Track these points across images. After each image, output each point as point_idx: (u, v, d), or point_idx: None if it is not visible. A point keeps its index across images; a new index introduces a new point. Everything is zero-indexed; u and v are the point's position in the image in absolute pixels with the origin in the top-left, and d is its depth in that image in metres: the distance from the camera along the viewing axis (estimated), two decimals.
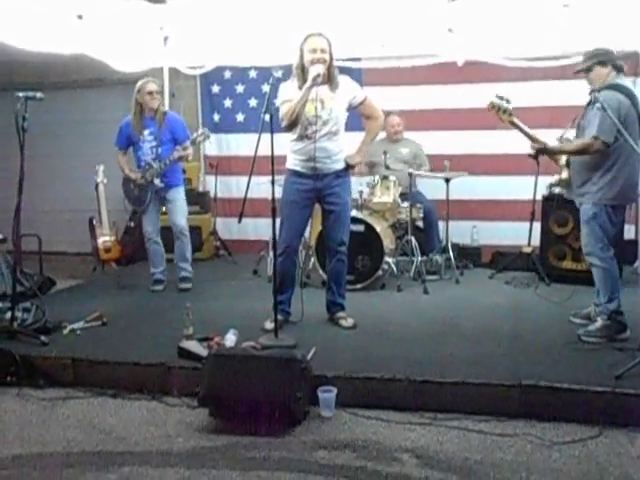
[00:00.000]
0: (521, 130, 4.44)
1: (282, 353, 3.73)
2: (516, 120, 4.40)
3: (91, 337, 4.58)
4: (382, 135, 6.77)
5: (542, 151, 4.42)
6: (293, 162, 4.62)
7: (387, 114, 6.66)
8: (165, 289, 5.93)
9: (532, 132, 4.46)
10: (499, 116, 4.38)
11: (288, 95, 4.47)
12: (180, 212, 5.82)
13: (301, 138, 4.51)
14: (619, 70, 4.29)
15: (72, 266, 7.49)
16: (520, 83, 6.75)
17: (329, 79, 4.45)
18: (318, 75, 4.28)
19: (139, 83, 5.68)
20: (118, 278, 6.20)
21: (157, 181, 5.68)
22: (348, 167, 4.64)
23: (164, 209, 5.94)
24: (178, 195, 5.83)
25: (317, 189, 4.58)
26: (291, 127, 4.46)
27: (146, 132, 5.69)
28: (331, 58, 4.44)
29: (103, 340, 4.50)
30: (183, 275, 5.86)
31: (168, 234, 5.93)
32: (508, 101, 4.35)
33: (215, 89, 7.91)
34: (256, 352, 3.83)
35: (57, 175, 8.55)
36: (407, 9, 5.65)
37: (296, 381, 3.48)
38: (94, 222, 6.65)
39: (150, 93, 5.62)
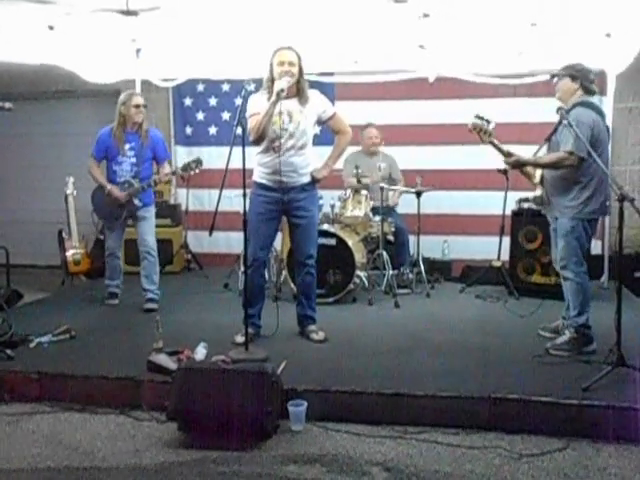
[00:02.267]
0: (497, 148, 4.49)
1: (252, 367, 3.70)
2: (496, 141, 4.46)
3: (59, 351, 4.52)
4: (358, 147, 6.83)
5: (517, 164, 4.46)
6: (259, 175, 4.63)
7: (365, 126, 6.75)
8: (128, 301, 5.85)
9: (506, 148, 4.51)
10: (480, 136, 4.43)
11: (256, 108, 4.48)
12: (151, 230, 5.72)
13: (267, 151, 4.53)
14: (587, 91, 4.38)
15: (40, 279, 7.39)
16: (490, 100, 6.86)
17: (298, 92, 4.47)
18: (282, 90, 4.29)
19: (124, 95, 5.60)
20: (87, 291, 6.14)
21: (136, 201, 5.57)
22: (315, 182, 4.66)
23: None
24: (150, 213, 5.73)
25: (283, 202, 4.59)
26: (258, 141, 4.48)
27: (127, 147, 5.57)
28: (301, 72, 4.47)
29: (71, 354, 4.44)
30: (149, 297, 5.70)
31: (133, 247, 5.86)
32: (488, 121, 4.41)
33: (188, 102, 7.90)
34: (226, 366, 3.80)
35: (26, 186, 8.45)
36: (380, 25, 5.70)
37: (266, 395, 3.46)
38: (63, 234, 6.57)
39: (137, 106, 5.51)
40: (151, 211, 5.75)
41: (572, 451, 3.33)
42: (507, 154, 4.47)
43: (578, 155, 4.17)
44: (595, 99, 4.52)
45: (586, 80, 4.37)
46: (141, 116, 5.55)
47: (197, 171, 5.62)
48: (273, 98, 4.33)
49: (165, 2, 5.42)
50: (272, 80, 4.45)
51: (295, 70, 4.42)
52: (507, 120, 6.76)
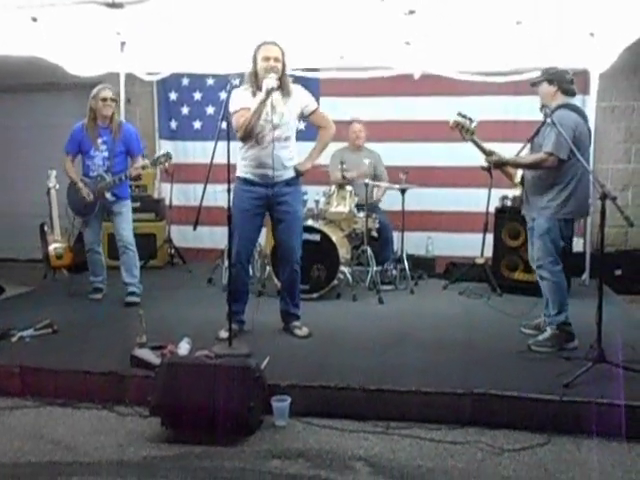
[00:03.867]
0: (479, 147, 4.52)
1: (236, 362, 3.71)
2: (477, 139, 4.48)
3: (41, 345, 4.50)
4: (344, 143, 6.84)
5: (498, 163, 4.50)
6: (243, 169, 4.61)
7: (350, 121, 6.76)
8: (109, 296, 5.84)
9: (488, 147, 4.54)
10: (462, 134, 4.45)
11: (241, 102, 4.45)
12: (127, 225, 5.70)
13: (250, 144, 4.51)
14: (566, 93, 4.42)
15: (22, 273, 7.33)
16: (475, 97, 6.90)
17: (281, 87, 4.44)
18: (272, 88, 4.29)
19: (95, 89, 5.59)
20: (70, 285, 6.09)
21: (109, 195, 5.56)
22: (298, 175, 4.66)
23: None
24: (126, 208, 5.71)
25: (268, 197, 4.58)
26: (246, 139, 4.46)
27: (99, 141, 5.56)
28: (284, 67, 4.46)
29: (53, 348, 4.42)
30: (131, 290, 5.68)
31: (115, 241, 5.82)
32: (471, 120, 4.43)
33: (172, 96, 7.87)
34: (210, 361, 3.80)
35: (8, 179, 8.38)
36: (366, 21, 5.69)
37: (250, 390, 3.47)
38: (45, 228, 6.51)
39: (104, 100, 5.49)
40: (126, 205, 5.72)
41: (553, 446, 3.37)
42: (488, 153, 4.50)
43: (558, 156, 4.21)
44: (578, 98, 4.58)
45: (563, 82, 4.41)
46: (110, 109, 5.53)
47: (167, 165, 5.65)
48: (262, 96, 4.31)
49: None
50: (255, 74, 4.44)
51: (280, 66, 4.41)
52: (492, 118, 6.83)
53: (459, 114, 4.44)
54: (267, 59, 4.39)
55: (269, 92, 4.29)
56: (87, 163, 5.63)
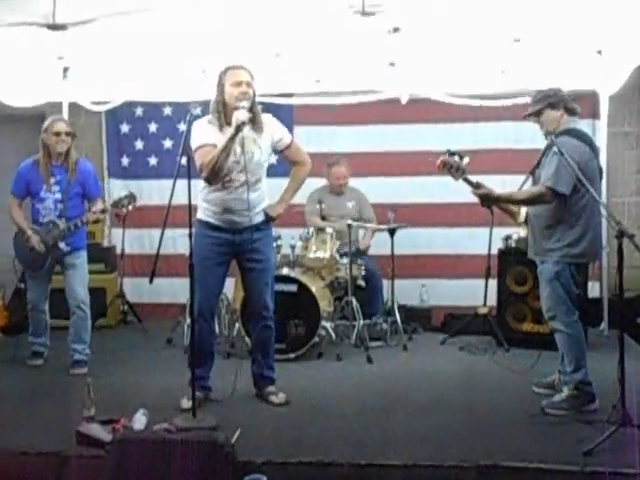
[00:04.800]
0: (470, 184, 4.53)
1: (202, 436, 3.67)
2: (470, 178, 4.49)
3: None
4: (322, 181, 6.89)
5: (486, 198, 4.52)
6: (205, 213, 4.61)
7: (333, 162, 6.81)
8: (54, 361, 5.75)
9: (475, 179, 4.53)
10: (451, 174, 4.45)
11: (206, 137, 4.44)
12: (82, 280, 5.63)
13: (215, 187, 4.50)
14: (572, 113, 4.51)
15: None
16: (470, 124, 7.05)
17: (253, 119, 4.44)
18: (243, 123, 4.28)
19: (47, 121, 5.53)
20: (4, 350, 6.01)
21: (62, 245, 5.48)
22: (269, 220, 4.67)
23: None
24: (80, 260, 5.63)
25: (234, 243, 4.58)
26: (212, 179, 4.42)
27: (52, 181, 5.49)
28: (254, 95, 4.50)
29: None
30: (77, 359, 5.57)
31: (59, 297, 5.77)
32: (461, 157, 4.44)
33: (124, 128, 7.91)
34: (170, 436, 3.76)
35: None
36: (345, 40, 5.80)
37: (219, 469, 3.43)
38: None
39: (57, 134, 5.43)
40: (82, 257, 5.66)
41: None
42: (476, 185, 4.48)
43: (557, 191, 4.25)
44: (587, 124, 4.67)
45: (567, 101, 4.51)
46: (64, 146, 5.47)
47: (130, 208, 5.57)
48: (232, 132, 4.30)
49: (97, 15, 5.45)
50: (223, 102, 4.46)
51: (252, 92, 4.45)
52: (489, 146, 6.96)
53: (449, 152, 4.46)
54: (239, 84, 4.40)
55: (239, 127, 4.28)
56: (37, 207, 5.56)
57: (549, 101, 4.50)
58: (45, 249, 5.48)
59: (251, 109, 4.40)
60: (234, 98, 4.39)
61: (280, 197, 4.71)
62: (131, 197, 5.52)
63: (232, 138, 4.32)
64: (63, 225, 5.45)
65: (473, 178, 4.48)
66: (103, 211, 5.53)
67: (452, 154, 4.43)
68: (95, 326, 6.01)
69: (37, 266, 5.56)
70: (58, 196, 5.50)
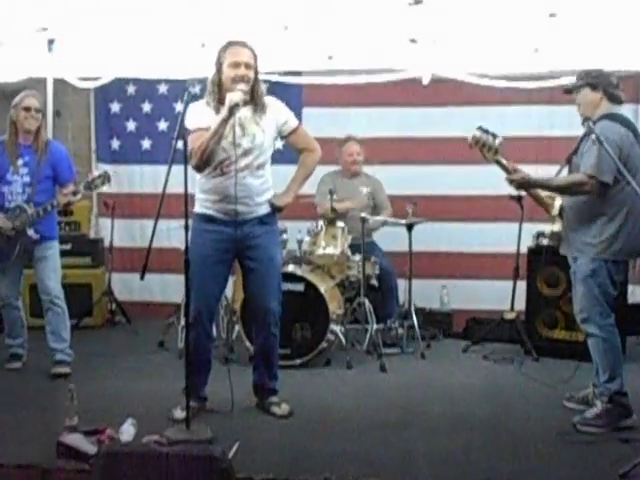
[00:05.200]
0: (503, 167, 4.54)
1: (195, 450, 3.66)
2: (503, 159, 4.49)
3: None
4: (336, 167, 6.89)
5: (523, 183, 4.52)
6: (203, 204, 4.61)
7: (344, 140, 6.81)
8: (32, 363, 5.78)
9: (512, 164, 4.55)
10: (483, 154, 4.46)
11: (200, 120, 4.44)
12: (53, 273, 5.64)
13: (214, 172, 4.51)
14: (614, 100, 4.49)
15: None
16: (499, 107, 7.01)
17: (252, 99, 4.46)
18: (237, 105, 4.27)
19: (18, 96, 5.57)
20: None
21: (31, 232, 5.49)
22: (275, 211, 4.68)
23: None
24: (52, 251, 5.65)
25: (235, 239, 4.58)
26: (202, 168, 4.42)
27: (19, 162, 5.53)
28: (256, 74, 4.50)
29: None
30: (58, 358, 5.61)
31: (35, 292, 5.78)
32: (494, 135, 4.44)
33: (114, 108, 7.91)
34: (161, 449, 3.76)
35: None
36: (360, 13, 5.79)
37: None
38: None
39: (27, 109, 5.46)
40: (53, 248, 5.68)
41: None
42: (512, 170, 4.49)
43: (599, 179, 4.25)
44: (628, 108, 4.64)
45: (609, 86, 4.48)
46: (33, 123, 5.49)
47: (104, 188, 5.60)
48: (224, 114, 4.29)
49: None
50: (219, 83, 4.46)
51: (251, 74, 4.44)
52: (520, 133, 6.92)
53: (479, 129, 4.48)
54: (237, 65, 4.39)
55: (232, 109, 4.27)
56: (3, 190, 5.57)
57: (589, 81, 4.49)
58: (11, 237, 5.50)
59: (252, 91, 4.41)
60: (230, 80, 4.39)
61: (287, 186, 4.70)
62: (105, 177, 5.51)
63: (224, 121, 4.31)
64: (31, 210, 5.46)
65: (510, 163, 4.50)
66: (74, 193, 5.49)
67: (484, 131, 4.43)
68: (80, 326, 6.05)
69: (4, 256, 5.57)
70: (27, 179, 5.52)
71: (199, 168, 4.43)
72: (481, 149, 4.43)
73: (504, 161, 4.50)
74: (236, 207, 4.52)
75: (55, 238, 5.72)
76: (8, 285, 5.72)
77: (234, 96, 4.29)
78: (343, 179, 6.87)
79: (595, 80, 4.49)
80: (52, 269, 5.65)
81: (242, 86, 4.33)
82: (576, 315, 4.60)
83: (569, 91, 4.60)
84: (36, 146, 5.56)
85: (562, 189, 4.47)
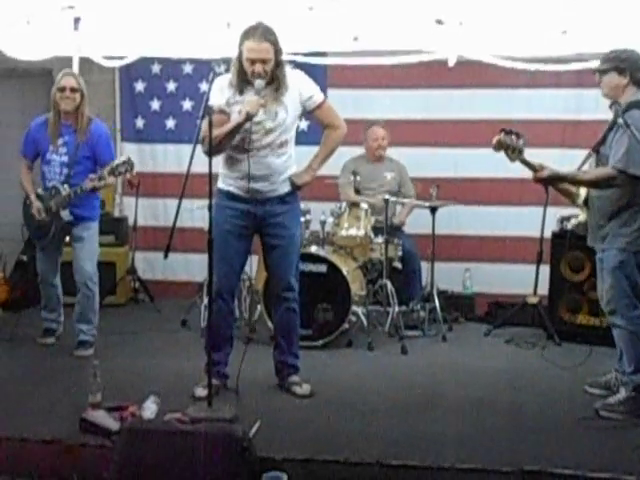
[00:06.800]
0: (528, 165, 4.49)
1: (217, 428, 3.70)
2: (528, 159, 4.46)
3: None
4: (360, 150, 6.86)
5: (551, 179, 4.48)
6: (225, 180, 4.64)
7: (369, 124, 6.79)
8: (59, 340, 5.85)
9: (538, 162, 4.50)
10: (508, 155, 4.43)
11: (218, 97, 4.47)
12: (90, 256, 5.64)
13: (236, 149, 4.53)
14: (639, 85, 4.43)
15: None
16: (525, 90, 6.95)
17: (273, 80, 4.46)
18: (250, 116, 4.31)
19: (59, 75, 5.56)
20: (5, 327, 6.10)
21: (64, 213, 5.50)
22: (295, 189, 4.67)
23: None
24: (89, 232, 5.64)
25: (256, 216, 4.60)
26: (212, 155, 4.35)
27: (60, 142, 5.52)
28: (278, 57, 4.45)
29: None
30: (82, 339, 5.64)
31: (70, 272, 5.81)
32: (518, 135, 4.40)
33: (139, 87, 7.92)
34: (183, 427, 3.79)
35: None
36: None
37: (235, 465, 3.46)
38: None
39: (62, 90, 5.43)
40: (91, 229, 5.67)
41: None
42: (538, 167, 4.44)
43: (630, 173, 4.19)
44: None
45: (637, 71, 4.40)
46: (69, 103, 5.45)
47: (128, 175, 5.58)
48: (242, 118, 4.34)
49: None
50: (240, 65, 4.44)
51: (269, 67, 4.41)
52: (547, 117, 6.86)
53: (503, 131, 4.42)
54: (252, 62, 4.40)
55: (249, 115, 4.32)
56: (43, 169, 5.60)
57: (618, 64, 4.42)
58: (47, 217, 5.53)
59: (272, 75, 4.42)
60: (249, 72, 4.42)
61: (308, 164, 4.70)
62: (128, 163, 5.42)
63: (240, 125, 4.37)
64: (65, 192, 5.46)
65: (533, 159, 4.44)
66: (100, 178, 5.42)
67: (508, 133, 4.39)
68: (103, 304, 6.06)
69: (41, 234, 5.62)
70: (64, 159, 5.51)
71: (209, 155, 4.44)
72: (505, 151, 4.39)
73: (528, 160, 4.45)
74: (256, 185, 4.53)
75: (93, 219, 5.70)
76: (46, 263, 5.76)
77: (251, 108, 4.33)
78: (367, 164, 6.84)
79: (623, 64, 4.41)
80: (89, 251, 5.65)
81: (258, 82, 4.35)
82: (603, 306, 4.56)
83: (598, 72, 4.52)
84: (76, 126, 5.53)
85: (592, 184, 4.42)
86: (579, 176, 4.47)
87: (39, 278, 5.82)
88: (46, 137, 5.55)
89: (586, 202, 4.56)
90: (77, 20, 6.59)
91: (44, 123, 5.59)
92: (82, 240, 5.62)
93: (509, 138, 4.36)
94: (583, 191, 4.57)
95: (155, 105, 7.90)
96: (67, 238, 5.75)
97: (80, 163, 5.53)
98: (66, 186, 5.47)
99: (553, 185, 4.60)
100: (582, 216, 4.62)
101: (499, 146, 4.37)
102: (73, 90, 5.47)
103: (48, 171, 5.57)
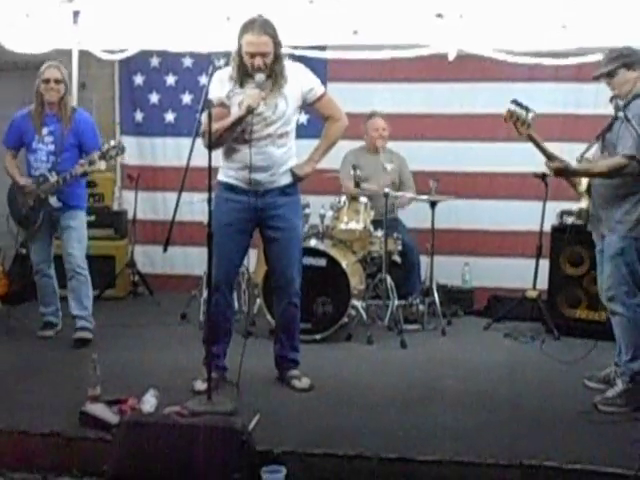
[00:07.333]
0: (537, 145, 4.52)
1: (217, 422, 3.70)
2: (535, 134, 4.48)
3: None
4: (360, 142, 6.85)
5: (562, 172, 4.49)
6: (225, 172, 4.63)
7: (369, 115, 6.77)
8: (59, 334, 5.85)
9: (550, 149, 4.52)
10: (516, 127, 4.44)
11: (219, 90, 4.47)
12: (77, 243, 5.68)
13: (236, 140, 4.52)
14: None
15: None
16: (525, 84, 6.92)
17: (272, 73, 4.45)
18: (251, 109, 4.31)
19: (42, 67, 5.59)
20: (4, 320, 6.10)
21: (53, 200, 5.55)
22: (296, 181, 4.67)
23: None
24: (76, 221, 5.69)
25: (256, 209, 4.59)
26: (210, 148, 4.34)
27: (45, 131, 5.58)
28: (277, 50, 4.45)
29: None
30: (80, 325, 5.67)
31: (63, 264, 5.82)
32: (528, 109, 4.42)
33: (138, 80, 7.91)
34: (182, 420, 3.79)
35: None
36: None
37: (234, 458, 3.46)
38: None
39: (47, 81, 5.48)
40: (78, 218, 5.72)
41: None
42: (550, 157, 4.49)
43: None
44: None
45: None
46: (53, 94, 5.51)
47: (119, 159, 5.65)
48: (243, 111, 4.34)
49: None
50: (240, 59, 4.44)
51: (269, 59, 4.41)
52: (546, 110, 6.80)
53: (514, 102, 4.44)
54: (251, 56, 4.40)
55: (249, 109, 4.32)
56: (29, 159, 5.66)
57: (624, 61, 4.42)
58: (35, 204, 5.56)
59: (272, 65, 4.42)
60: (249, 65, 4.42)
61: (309, 156, 4.70)
62: (119, 147, 5.54)
63: (240, 119, 4.37)
64: (54, 178, 5.51)
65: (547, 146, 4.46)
66: (90, 162, 5.48)
67: (519, 104, 4.40)
68: (102, 297, 6.07)
69: (27, 224, 5.65)
70: (51, 148, 5.58)
71: (209, 148, 4.44)
72: (515, 123, 4.42)
73: (537, 137, 4.47)
74: (256, 176, 4.52)
75: (80, 208, 5.75)
76: (37, 251, 5.78)
77: (252, 102, 4.33)
78: (367, 155, 6.82)
79: (629, 59, 4.42)
80: (76, 239, 5.69)
81: (259, 76, 4.35)
82: (602, 293, 4.58)
83: (603, 76, 4.51)
84: (61, 115, 5.59)
85: (605, 175, 4.41)
86: (592, 169, 4.46)
87: (34, 270, 5.83)
88: (31, 128, 5.61)
89: (588, 190, 4.57)
90: (76, 13, 6.59)
91: (28, 114, 5.65)
92: (69, 229, 5.67)
93: (519, 109, 4.38)
94: (584, 179, 4.57)
95: (154, 98, 7.89)
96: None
97: (67, 150, 5.59)
98: (54, 173, 5.52)
99: (566, 178, 4.60)
100: (584, 203, 4.62)
101: (509, 117, 4.39)
102: (57, 82, 5.54)
103: (35, 160, 5.62)
